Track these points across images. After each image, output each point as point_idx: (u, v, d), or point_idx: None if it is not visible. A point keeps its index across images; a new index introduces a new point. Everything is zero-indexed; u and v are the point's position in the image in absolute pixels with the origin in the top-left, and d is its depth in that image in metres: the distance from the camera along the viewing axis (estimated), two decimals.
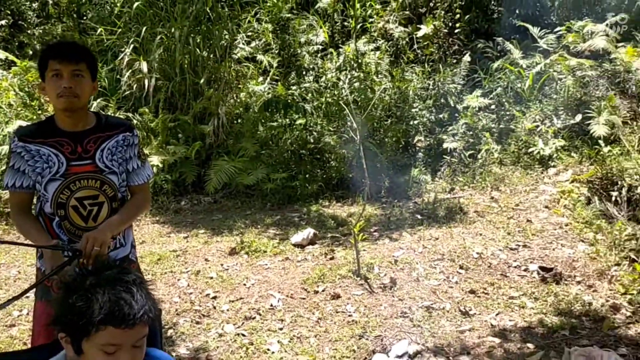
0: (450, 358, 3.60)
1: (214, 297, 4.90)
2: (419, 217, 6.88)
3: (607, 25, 8.73)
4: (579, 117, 7.95)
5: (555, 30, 9.16)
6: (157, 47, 8.58)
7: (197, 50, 8.71)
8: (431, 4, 10.14)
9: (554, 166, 7.69)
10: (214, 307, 4.72)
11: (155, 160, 7.80)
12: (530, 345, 3.82)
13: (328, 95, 8.79)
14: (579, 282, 4.82)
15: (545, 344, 3.83)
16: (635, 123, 7.96)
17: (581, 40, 8.74)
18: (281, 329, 4.32)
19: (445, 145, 8.29)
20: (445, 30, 9.81)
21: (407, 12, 10.16)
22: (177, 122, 8.46)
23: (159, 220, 7.35)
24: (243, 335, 4.24)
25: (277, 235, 6.49)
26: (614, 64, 8.39)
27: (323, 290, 4.92)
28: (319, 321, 4.41)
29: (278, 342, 4.10)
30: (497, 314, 4.34)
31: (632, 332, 3.93)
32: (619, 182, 7.00)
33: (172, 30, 8.59)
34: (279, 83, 9.17)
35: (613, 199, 6.87)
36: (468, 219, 6.60)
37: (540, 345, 3.81)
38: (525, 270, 5.13)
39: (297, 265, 5.55)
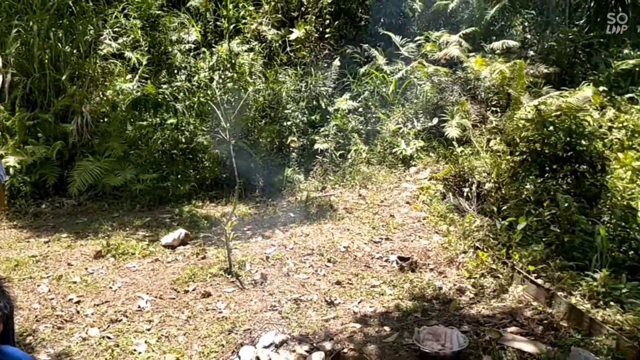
0: (314, 344, 3.79)
1: (78, 302, 4.71)
2: (291, 215, 7.07)
3: (460, 36, 9.58)
4: (435, 120, 8.65)
5: (415, 39, 9.89)
6: (13, 41, 7.98)
7: (59, 45, 8.23)
8: (302, 9, 10.44)
9: (414, 165, 8.29)
10: (78, 312, 4.54)
11: (11, 160, 7.27)
12: (387, 328, 4.13)
13: (201, 95, 8.73)
14: (431, 269, 5.28)
15: (400, 326, 4.16)
16: (483, 126, 8.81)
17: (438, 49, 9.52)
18: (149, 329, 4.27)
19: (317, 146, 8.60)
20: (316, 35, 10.16)
21: (279, 15, 10.38)
22: (36, 121, 7.93)
23: (17, 225, 6.87)
24: (108, 338, 4.13)
25: (147, 237, 6.35)
26: (466, 72, 9.23)
27: (193, 290, 4.92)
28: (189, 319, 4.41)
29: (145, 342, 4.06)
30: (359, 302, 4.63)
31: (474, 311, 4.40)
32: (470, 179, 7.73)
33: (31, 23, 8.04)
34: (149, 81, 8.94)
35: (464, 194, 7.58)
36: (337, 215, 6.92)
37: (396, 328, 4.14)
38: (386, 260, 5.51)
39: (167, 266, 5.49)
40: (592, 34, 10.41)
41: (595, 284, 4.22)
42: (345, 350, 3.78)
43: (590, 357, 3.12)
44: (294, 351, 3.65)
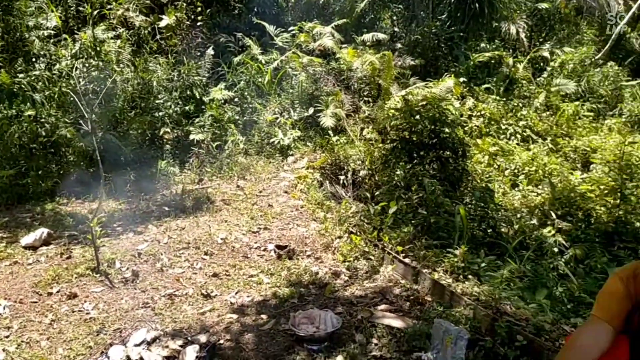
0: (189, 338, 3.70)
1: None
2: (166, 209, 6.84)
3: (332, 27, 9.80)
4: (311, 110, 8.80)
5: (290, 29, 9.96)
6: None
7: None
8: None
9: (292, 155, 8.38)
10: None
11: None
12: (264, 316, 4.14)
13: (63, 85, 8.11)
14: (309, 256, 5.37)
15: (277, 313, 4.19)
16: (357, 115, 9.11)
17: (312, 40, 9.66)
18: (7, 336, 3.92)
19: (192, 137, 8.37)
20: (188, 23, 9.86)
21: (147, 1, 9.92)
22: None
23: None
24: None
25: (4, 238, 5.81)
26: (339, 63, 9.48)
27: (58, 292, 4.60)
28: (53, 323, 4.11)
29: (3, 350, 3.72)
30: (236, 293, 4.59)
31: (348, 293, 4.54)
32: (346, 167, 7.97)
33: None
34: (3, 70, 8.13)
35: (341, 182, 7.80)
36: (215, 207, 6.81)
37: (273, 315, 4.16)
38: (264, 250, 5.52)
39: (28, 268, 5.07)
40: (453, 28, 11.13)
41: (455, 260, 4.54)
42: (221, 341, 3.74)
43: (450, 327, 3.34)
44: (167, 347, 3.53)
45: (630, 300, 2.21)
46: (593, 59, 11.95)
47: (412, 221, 5.80)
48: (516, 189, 7.89)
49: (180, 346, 3.54)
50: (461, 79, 9.91)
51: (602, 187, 7.15)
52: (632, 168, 7.38)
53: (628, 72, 12.32)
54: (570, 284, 4.91)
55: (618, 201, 6.81)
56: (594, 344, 2.18)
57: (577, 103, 10.46)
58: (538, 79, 11.18)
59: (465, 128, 8.99)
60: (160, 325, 4.02)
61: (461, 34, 11.15)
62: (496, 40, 11.56)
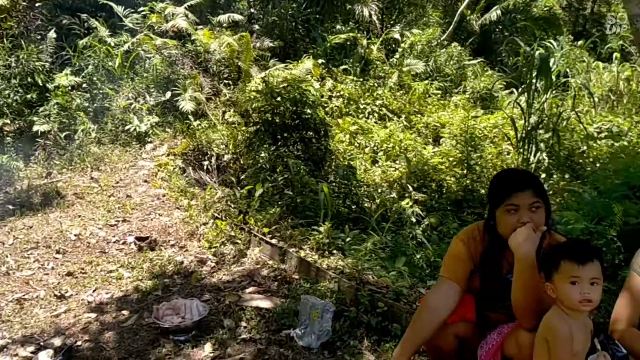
0: (42, 343, 3.39)
1: None
2: (10, 207, 6.21)
3: (185, 7, 9.44)
4: (168, 94, 8.43)
5: (140, 10, 9.43)
6: None
7: None
8: None
9: (150, 142, 7.98)
10: None
11: None
12: (125, 312, 3.92)
13: None
14: (172, 245, 5.18)
15: (139, 307, 3.99)
16: (218, 99, 8.93)
17: (164, 21, 9.24)
18: None
19: (36, 128, 7.67)
20: (25, 3, 8.96)
21: None
22: None
23: None
24: None
25: None
26: (195, 45, 9.18)
27: None
28: None
29: None
30: (94, 290, 4.30)
31: (215, 279, 4.45)
32: (209, 152, 7.78)
33: None
34: None
35: (205, 167, 7.61)
36: (66, 202, 6.32)
37: (135, 310, 3.95)
38: (123, 243, 5.23)
39: None
40: (309, 10, 11.27)
41: (321, 236, 4.63)
42: (78, 342, 3.47)
43: (316, 302, 3.40)
44: (16, 355, 3.22)
45: (472, 261, 2.40)
46: (439, 40, 12.81)
47: (279, 202, 5.83)
48: (376, 165, 8.27)
49: (32, 352, 3.25)
50: (319, 61, 10.09)
51: (451, 159, 7.74)
52: (476, 140, 8.06)
53: (470, 52, 13.41)
54: (426, 250, 5.27)
55: (465, 171, 7.43)
56: (443, 304, 2.35)
57: (426, 82, 11.16)
58: (391, 60, 11.74)
59: (326, 108, 9.20)
60: (8, 332, 3.64)
61: (317, 16, 11.33)
62: (350, 23, 11.91)
